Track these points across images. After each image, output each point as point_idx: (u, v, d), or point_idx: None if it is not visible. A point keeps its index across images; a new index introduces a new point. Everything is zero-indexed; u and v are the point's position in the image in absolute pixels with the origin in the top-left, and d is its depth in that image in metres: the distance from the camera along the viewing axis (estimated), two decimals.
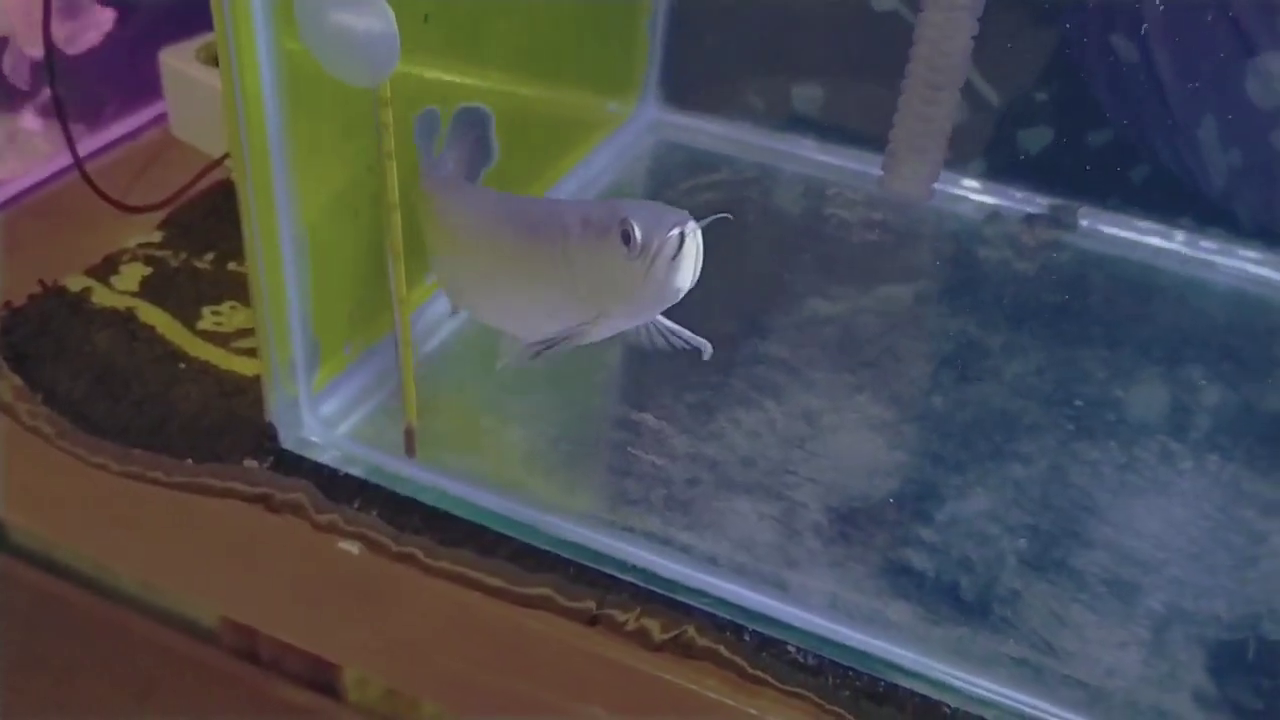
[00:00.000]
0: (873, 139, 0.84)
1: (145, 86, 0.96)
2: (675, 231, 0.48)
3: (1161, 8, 0.79)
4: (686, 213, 0.50)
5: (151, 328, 0.75)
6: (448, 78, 0.69)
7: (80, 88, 0.90)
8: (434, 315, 0.74)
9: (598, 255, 0.51)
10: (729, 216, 0.49)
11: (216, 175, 0.89)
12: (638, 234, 0.49)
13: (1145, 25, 0.80)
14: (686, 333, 0.56)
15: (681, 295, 0.50)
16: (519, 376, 0.69)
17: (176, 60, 0.93)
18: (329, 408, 0.68)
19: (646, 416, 0.67)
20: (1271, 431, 0.70)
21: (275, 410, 0.66)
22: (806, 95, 0.91)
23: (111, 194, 0.86)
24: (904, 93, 0.68)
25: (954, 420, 0.70)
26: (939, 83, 0.67)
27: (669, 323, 0.55)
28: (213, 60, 0.93)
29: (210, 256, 0.82)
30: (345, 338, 0.68)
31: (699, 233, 0.49)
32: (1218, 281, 0.84)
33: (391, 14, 0.51)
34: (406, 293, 0.61)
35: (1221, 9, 0.77)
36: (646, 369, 0.71)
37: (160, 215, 0.86)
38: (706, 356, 0.54)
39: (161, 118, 0.98)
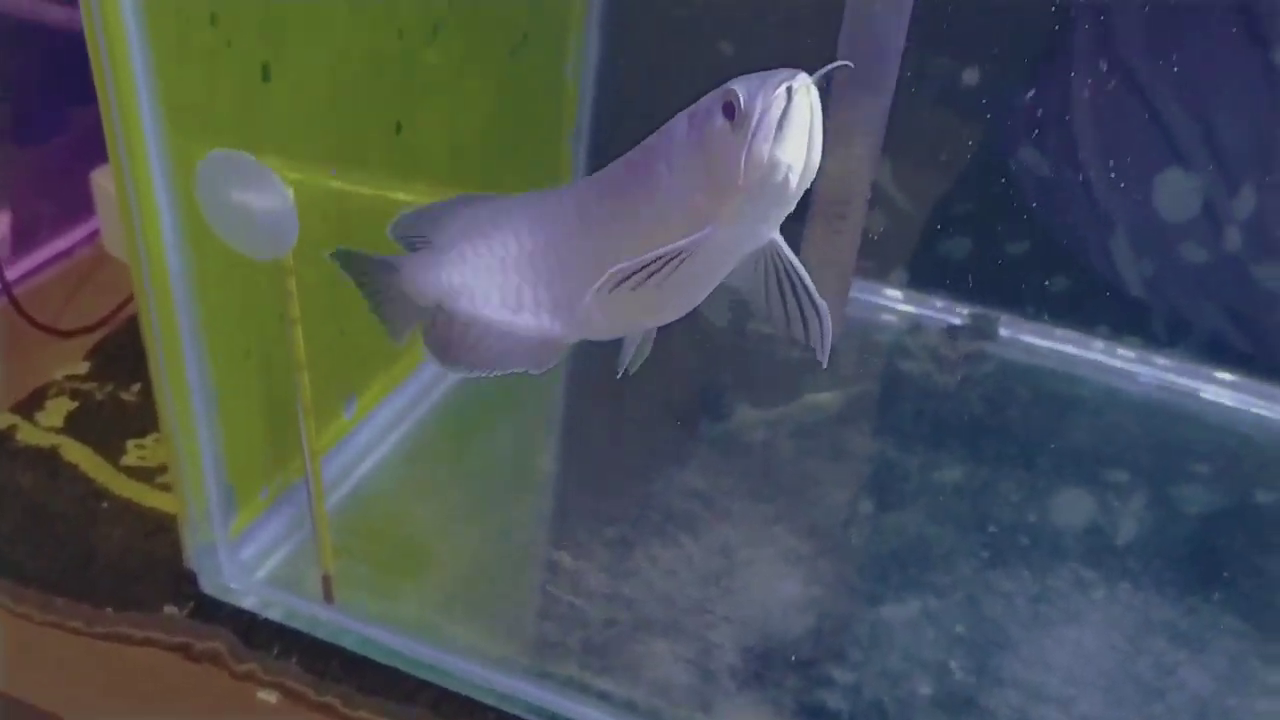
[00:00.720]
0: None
1: (79, 205, 0.97)
2: (781, 89, 0.39)
3: (1069, 120, 0.81)
4: (798, 71, 0.40)
5: (75, 465, 0.75)
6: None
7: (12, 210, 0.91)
8: (351, 454, 0.75)
9: (703, 147, 0.42)
10: (849, 65, 0.42)
11: None
12: (741, 99, 0.40)
13: (1058, 138, 0.82)
14: (807, 278, 0.44)
15: (794, 181, 0.40)
16: (437, 513, 0.70)
17: (108, 180, 0.94)
18: (247, 552, 0.68)
19: (564, 555, 0.68)
20: (1180, 553, 0.71)
21: (193, 555, 0.66)
22: None
23: (42, 317, 0.86)
24: (808, 224, 0.69)
25: (870, 551, 0.71)
26: (842, 213, 0.68)
27: (790, 254, 0.44)
28: None
29: (136, 388, 0.82)
30: (261, 482, 0.68)
31: (813, 90, 0.39)
32: (1134, 391, 0.85)
33: (290, 193, 0.52)
34: (317, 444, 0.62)
35: (1135, 120, 0.79)
36: (565, 504, 0.72)
37: (92, 339, 0.86)
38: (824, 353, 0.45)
39: (96, 233, 0.98)
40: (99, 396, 0.81)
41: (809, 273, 0.43)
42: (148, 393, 0.82)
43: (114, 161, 0.56)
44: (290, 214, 0.52)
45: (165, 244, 0.56)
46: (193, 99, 0.55)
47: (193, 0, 0.53)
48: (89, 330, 0.86)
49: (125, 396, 0.81)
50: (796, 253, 0.42)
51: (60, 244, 0.96)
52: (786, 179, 0.40)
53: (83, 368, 0.84)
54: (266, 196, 0.52)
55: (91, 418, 0.79)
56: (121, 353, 0.85)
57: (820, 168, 0.40)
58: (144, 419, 0.79)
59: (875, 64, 0.68)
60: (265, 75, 0.59)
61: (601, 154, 0.95)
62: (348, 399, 0.76)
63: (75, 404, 0.80)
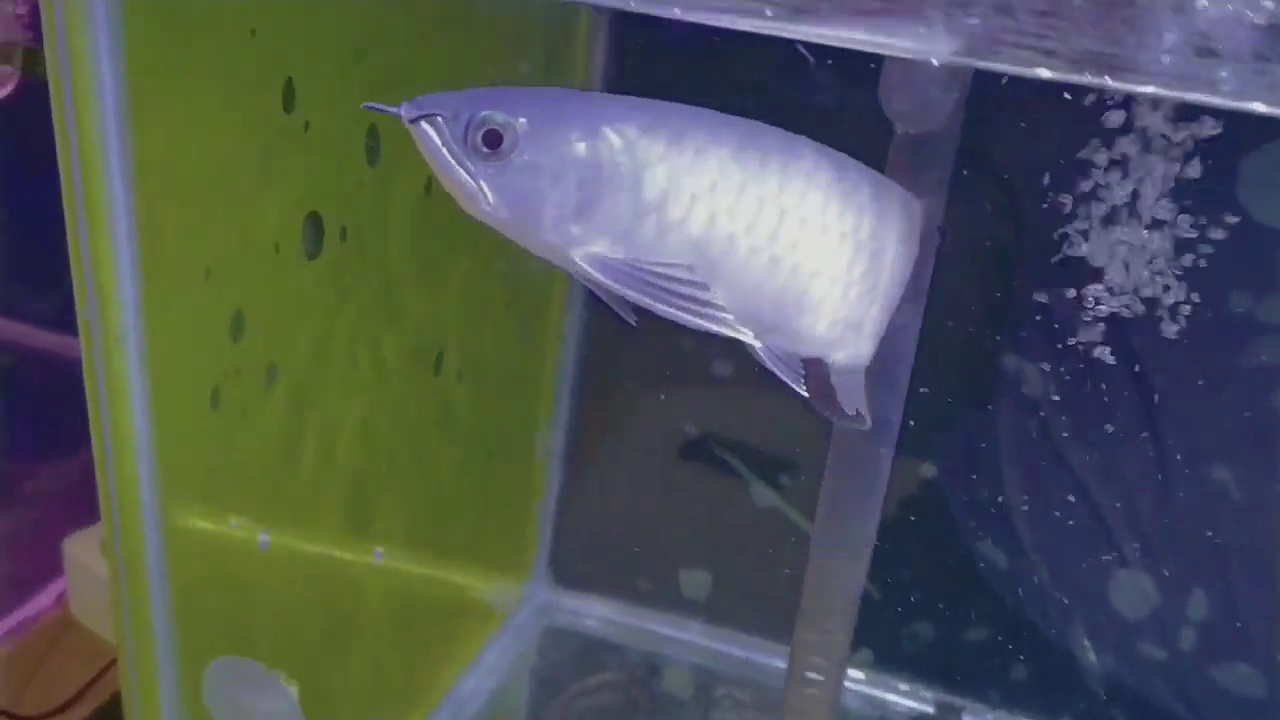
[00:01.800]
0: (757, 625, 0.90)
1: (46, 571, 0.98)
2: None
3: (1026, 510, 0.83)
4: None
5: None
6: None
7: None
8: None
9: None
10: None
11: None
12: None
13: (1015, 531, 0.84)
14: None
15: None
16: None
17: (80, 549, 0.95)
18: None
19: None
20: None
21: None
22: (694, 580, 0.93)
23: (3, 697, 0.85)
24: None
25: None
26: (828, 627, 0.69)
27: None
28: None
29: None
30: None
31: None
32: None
33: (294, 692, 0.54)
34: None
35: (1093, 518, 0.82)
36: None
37: None
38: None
39: (61, 597, 0.99)
40: None
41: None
42: None
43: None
44: (295, 715, 0.54)
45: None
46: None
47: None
48: (53, 714, 0.85)
49: None
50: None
51: (26, 610, 0.96)
52: None
53: None
54: (271, 699, 0.54)
55: None
56: None
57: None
58: None
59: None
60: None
61: (567, 525, 0.97)
62: None
63: None
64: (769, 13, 0.44)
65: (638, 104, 0.45)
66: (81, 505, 0.98)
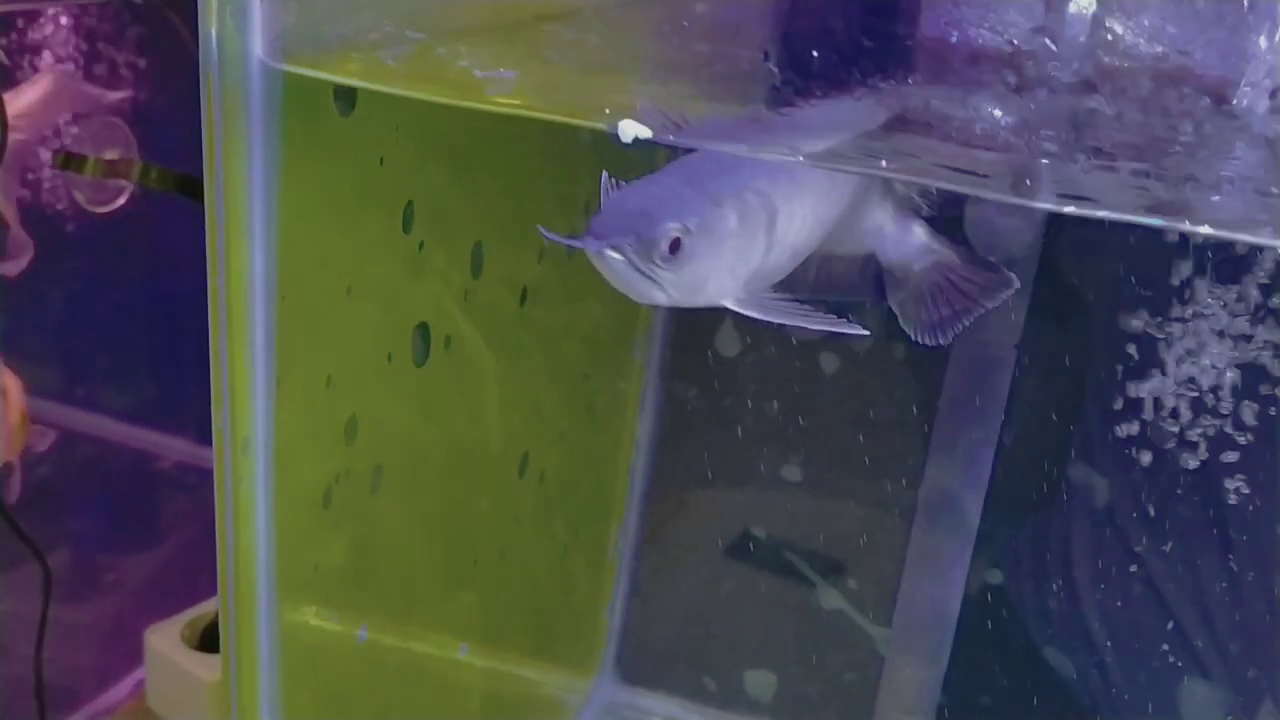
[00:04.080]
0: None
1: (124, 662, 1.00)
2: None
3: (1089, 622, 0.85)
4: None
5: None
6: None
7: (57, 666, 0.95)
8: None
9: None
10: None
11: None
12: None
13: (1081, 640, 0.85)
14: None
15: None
16: None
17: (161, 641, 0.97)
18: None
19: None
20: None
21: None
22: (759, 681, 0.95)
23: None
24: None
25: None
26: None
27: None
28: (196, 640, 0.98)
29: None
30: None
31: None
32: None
33: None
34: None
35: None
36: None
37: None
38: None
39: (139, 687, 1.01)
40: None
41: None
42: None
43: None
44: None
45: None
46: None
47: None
48: None
49: None
50: None
51: (105, 700, 0.99)
52: None
53: None
54: None
55: None
56: None
57: None
58: None
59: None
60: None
61: (636, 625, 0.99)
62: None
63: None
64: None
65: (748, 160, 0.50)
66: (161, 597, 1.02)
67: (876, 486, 0.87)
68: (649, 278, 0.46)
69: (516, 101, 0.54)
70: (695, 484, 0.97)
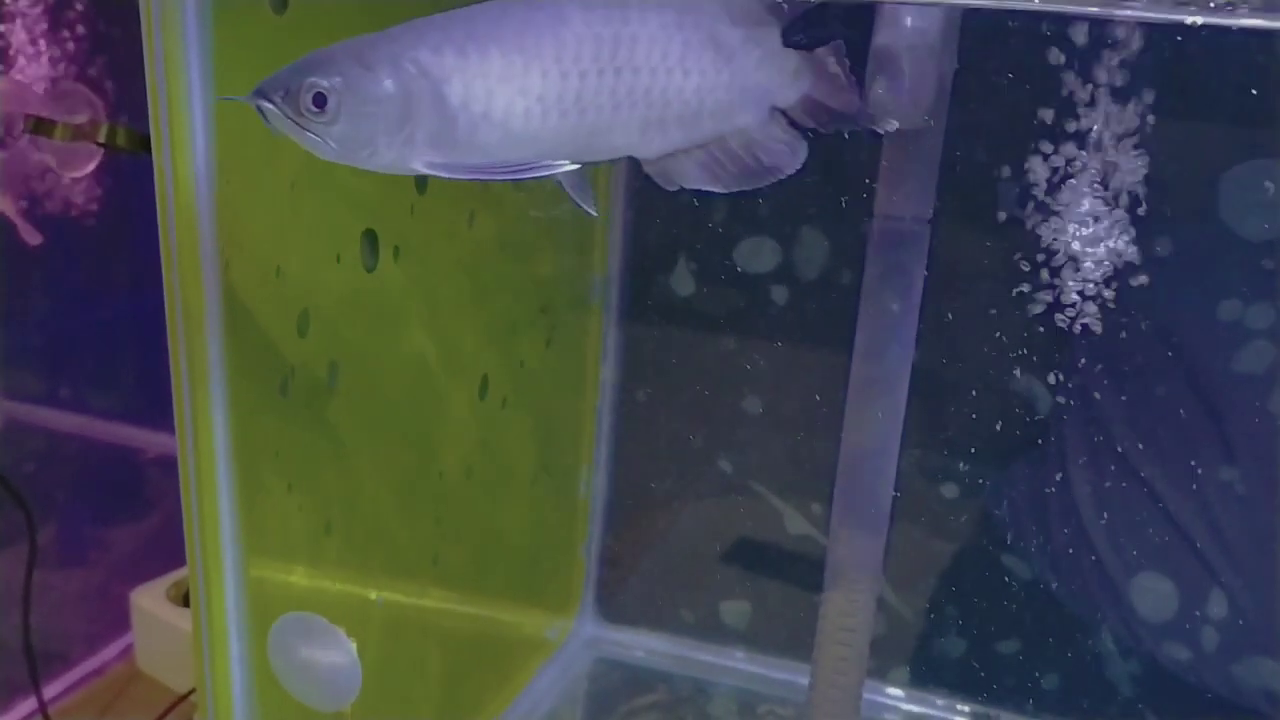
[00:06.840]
0: (795, 648, 0.93)
1: (115, 624, 1.03)
2: None
3: (1047, 523, 0.87)
4: None
5: None
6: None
7: (49, 630, 0.97)
8: None
9: None
10: None
11: (182, 711, 0.93)
12: None
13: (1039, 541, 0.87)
14: None
15: None
16: None
17: (147, 600, 1.00)
18: None
19: None
20: None
21: None
22: (734, 610, 0.97)
23: None
24: (822, 606, 0.73)
25: None
26: (847, 640, 0.73)
27: None
28: (181, 599, 1.01)
29: None
30: None
31: None
32: None
33: (353, 647, 0.59)
34: None
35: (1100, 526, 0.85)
36: None
37: None
38: None
39: (128, 650, 1.03)
40: None
41: None
42: None
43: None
44: (354, 666, 0.59)
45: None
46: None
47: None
48: None
49: None
50: None
51: (95, 661, 1.01)
52: None
53: None
54: (332, 651, 0.59)
55: None
56: None
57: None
58: None
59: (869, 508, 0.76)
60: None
61: (612, 564, 1.01)
62: None
63: None
64: None
65: (437, 22, 0.51)
66: (146, 564, 1.04)
67: (832, 413, 0.90)
68: (308, 131, 0.49)
69: None
70: (662, 423, 1.00)
